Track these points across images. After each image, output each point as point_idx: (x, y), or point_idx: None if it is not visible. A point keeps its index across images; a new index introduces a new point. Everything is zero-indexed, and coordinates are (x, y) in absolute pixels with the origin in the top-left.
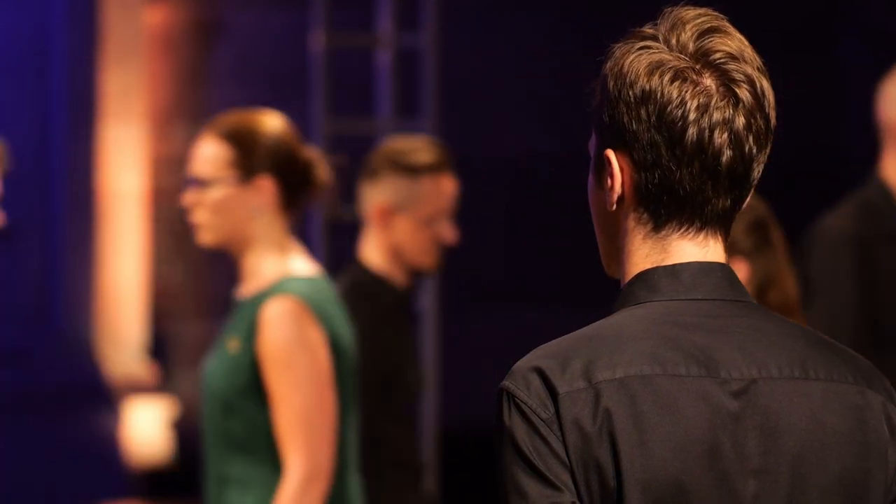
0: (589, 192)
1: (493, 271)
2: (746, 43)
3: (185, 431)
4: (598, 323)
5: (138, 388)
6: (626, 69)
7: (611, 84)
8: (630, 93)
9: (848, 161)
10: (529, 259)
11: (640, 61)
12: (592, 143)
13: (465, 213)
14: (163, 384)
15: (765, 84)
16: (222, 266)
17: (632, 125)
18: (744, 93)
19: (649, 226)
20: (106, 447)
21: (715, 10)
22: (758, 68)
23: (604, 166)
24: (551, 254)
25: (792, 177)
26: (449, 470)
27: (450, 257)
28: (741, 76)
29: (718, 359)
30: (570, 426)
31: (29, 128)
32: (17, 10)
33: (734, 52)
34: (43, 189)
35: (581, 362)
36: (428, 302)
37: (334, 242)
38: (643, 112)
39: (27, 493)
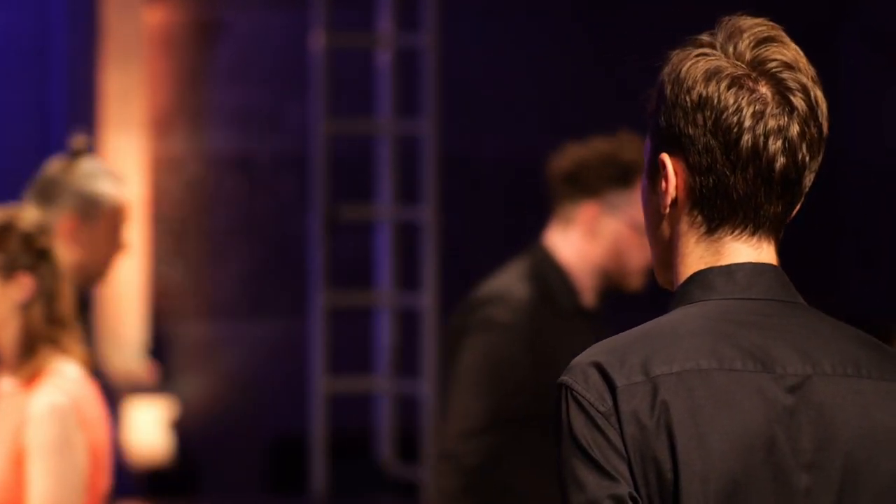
0: (642, 195)
1: (493, 271)
2: (801, 53)
3: (185, 431)
4: (654, 321)
5: (138, 388)
6: (683, 75)
7: (668, 89)
8: (687, 98)
9: (846, 162)
10: None
11: (697, 68)
12: (646, 148)
13: (465, 212)
14: (163, 384)
15: (818, 94)
16: (222, 266)
17: (688, 130)
18: (798, 101)
19: (703, 228)
20: None
21: (720, 10)
22: (812, 78)
23: (658, 170)
24: None
25: None
26: None
27: (450, 257)
28: (796, 85)
29: (773, 355)
30: (629, 419)
31: (29, 128)
32: (17, 10)
33: (790, 62)
34: None
35: (639, 357)
36: (428, 302)
37: (334, 242)
38: (700, 117)
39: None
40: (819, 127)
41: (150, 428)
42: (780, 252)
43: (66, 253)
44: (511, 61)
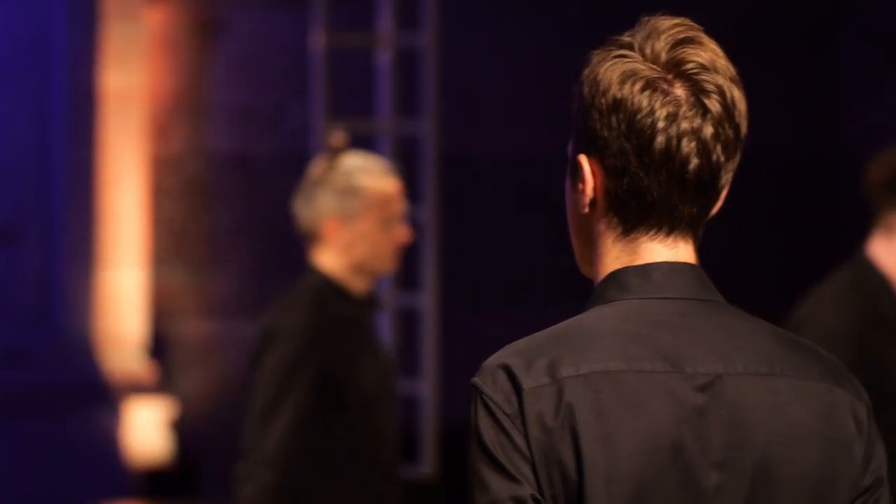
0: (566, 194)
1: (493, 271)
2: (720, 53)
3: (185, 431)
4: (567, 321)
5: (138, 388)
6: (600, 77)
7: (586, 90)
8: (602, 100)
9: (847, 162)
10: (529, 259)
11: (613, 70)
12: (569, 148)
13: (465, 212)
14: (163, 384)
15: (736, 94)
16: (222, 266)
17: (603, 132)
18: (713, 103)
19: (619, 229)
20: (106, 447)
21: (717, 13)
22: (730, 78)
23: (577, 170)
24: (551, 253)
25: (791, 176)
26: (449, 470)
27: (450, 257)
28: (712, 86)
29: (685, 355)
30: (533, 421)
31: (29, 128)
32: (17, 10)
33: (706, 63)
34: (43, 189)
35: (547, 359)
36: (428, 302)
37: None
38: (614, 120)
39: (27, 492)
40: (736, 128)
41: (150, 428)
42: (780, 252)
43: (332, 258)
44: (511, 61)
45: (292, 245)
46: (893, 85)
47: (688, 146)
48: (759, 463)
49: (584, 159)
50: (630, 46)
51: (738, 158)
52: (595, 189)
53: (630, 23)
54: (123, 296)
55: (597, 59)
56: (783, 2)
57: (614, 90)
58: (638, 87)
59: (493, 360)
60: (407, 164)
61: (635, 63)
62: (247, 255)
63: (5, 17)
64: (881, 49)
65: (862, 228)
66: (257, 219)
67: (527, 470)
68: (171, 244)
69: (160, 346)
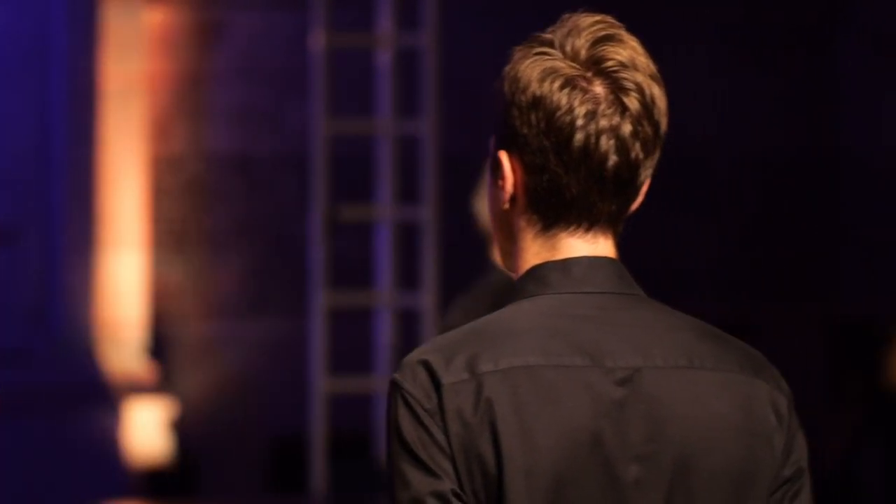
0: (487, 190)
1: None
2: (641, 50)
3: (185, 431)
4: (487, 317)
5: (138, 388)
6: (520, 74)
7: (506, 87)
8: (522, 98)
9: (846, 162)
10: None
11: (533, 67)
12: (490, 143)
13: (465, 212)
14: (163, 384)
15: (655, 91)
16: (222, 266)
17: (523, 129)
18: (632, 101)
19: (539, 225)
20: (106, 447)
21: (717, 14)
22: (650, 76)
23: (498, 166)
24: None
25: (791, 177)
26: None
27: (450, 257)
28: (631, 84)
29: (604, 349)
30: (453, 416)
31: (29, 128)
32: (17, 10)
33: (626, 61)
34: (43, 189)
35: (466, 355)
36: (428, 302)
37: (334, 242)
38: (533, 117)
39: (27, 492)
40: (655, 125)
41: (150, 428)
42: (780, 252)
43: None
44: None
45: (292, 245)
46: (892, 86)
47: (606, 144)
48: (678, 456)
49: (504, 155)
50: (551, 44)
51: (657, 155)
52: (515, 185)
53: (629, 23)
54: (123, 296)
55: (518, 56)
56: (782, 3)
57: (534, 88)
58: (557, 84)
59: (412, 356)
60: (407, 164)
61: (555, 60)
62: (247, 255)
63: (5, 17)
64: (880, 50)
65: (862, 228)
66: (257, 219)
67: (447, 465)
68: (171, 244)
69: (160, 346)
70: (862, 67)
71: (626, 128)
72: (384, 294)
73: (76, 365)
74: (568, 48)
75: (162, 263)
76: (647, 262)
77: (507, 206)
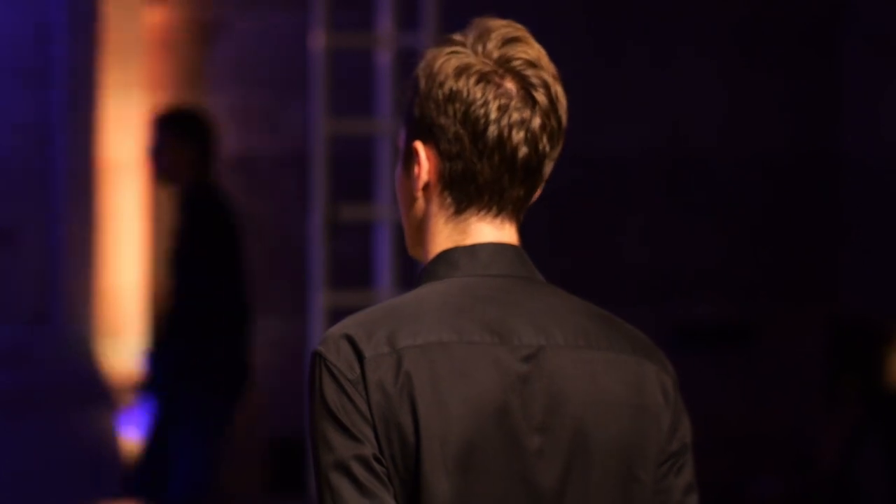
0: (396, 179)
1: None
2: (544, 52)
3: None
4: (402, 296)
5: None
6: (436, 70)
7: (422, 83)
8: (440, 91)
9: (847, 162)
10: (528, 257)
11: (449, 64)
12: (401, 136)
13: None
14: None
15: (559, 89)
16: None
17: (440, 120)
18: (540, 96)
19: (451, 209)
20: (106, 447)
21: (719, 14)
22: (553, 75)
23: (412, 156)
24: (550, 253)
25: (792, 177)
26: None
27: None
28: (538, 81)
29: (510, 328)
30: (375, 387)
31: (29, 128)
32: (17, 10)
33: (533, 60)
34: (43, 189)
35: (386, 331)
36: None
37: (334, 242)
38: (450, 109)
39: (27, 492)
40: (559, 119)
41: None
42: (781, 252)
43: None
44: None
45: (292, 245)
46: (893, 86)
47: (517, 135)
48: (576, 428)
49: (419, 145)
50: (462, 44)
51: (560, 148)
52: (430, 172)
53: (631, 22)
54: (123, 296)
55: (432, 55)
56: (785, 4)
57: (451, 82)
58: (473, 80)
59: (335, 330)
60: None
61: (469, 58)
62: (247, 255)
63: (5, 17)
64: (881, 50)
65: (862, 228)
66: (257, 219)
67: (368, 431)
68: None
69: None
70: (863, 68)
71: (536, 121)
72: (384, 294)
73: (76, 365)
74: (480, 48)
75: (162, 263)
76: (648, 262)
77: (419, 193)
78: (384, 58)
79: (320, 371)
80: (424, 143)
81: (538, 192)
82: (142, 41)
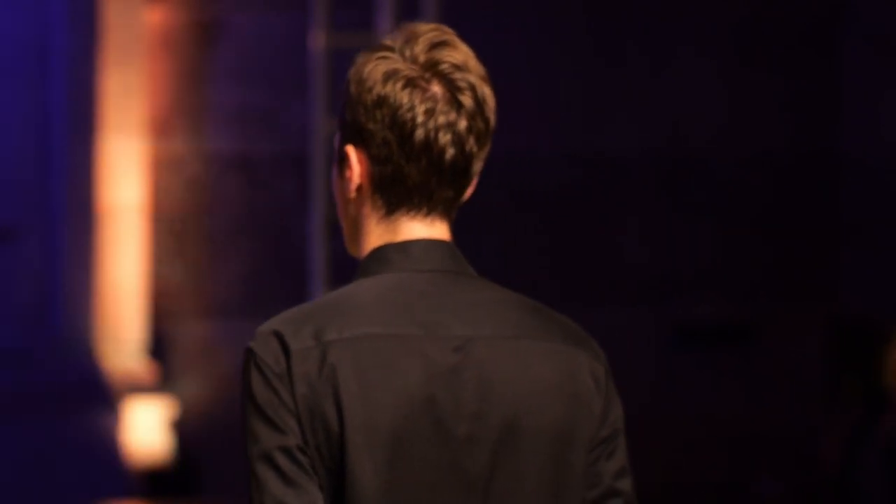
0: (332, 180)
1: (492, 271)
2: (471, 55)
3: (185, 431)
4: (335, 292)
5: (138, 388)
6: (365, 76)
7: (352, 88)
8: (368, 97)
9: (846, 162)
10: (529, 258)
11: (377, 69)
12: (336, 139)
13: (463, 212)
14: (163, 384)
15: (486, 91)
16: (222, 266)
17: (369, 125)
18: (466, 99)
19: (383, 211)
20: (106, 447)
21: (719, 13)
22: (481, 77)
23: (345, 160)
24: (551, 253)
25: (791, 177)
26: None
27: None
28: (465, 84)
29: (438, 321)
30: (300, 379)
31: (29, 128)
32: (17, 10)
33: (459, 63)
34: (43, 189)
35: (313, 326)
36: None
37: (334, 242)
38: (378, 114)
39: (27, 493)
40: (486, 121)
41: (150, 428)
42: (781, 252)
43: None
44: (510, 61)
45: (292, 245)
46: (893, 86)
47: (444, 138)
48: (506, 415)
49: (351, 149)
50: (391, 49)
51: (488, 148)
52: (361, 175)
53: (630, 23)
54: (123, 296)
55: (361, 61)
56: (785, 4)
57: (378, 88)
58: (400, 85)
59: (265, 326)
60: None
61: (396, 63)
62: (247, 255)
63: (5, 17)
64: (882, 50)
65: (862, 228)
66: (257, 219)
67: (293, 423)
68: (171, 244)
69: (160, 346)
70: (863, 68)
71: (462, 123)
72: None
73: (76, 365)
74: (407, 53)
75: (162, 263)
76: (647, 261)
77: (353, 195)
78: None
79: (249, 366)
80: (356, 146)
81: (470, 191)
82: (142, 41)
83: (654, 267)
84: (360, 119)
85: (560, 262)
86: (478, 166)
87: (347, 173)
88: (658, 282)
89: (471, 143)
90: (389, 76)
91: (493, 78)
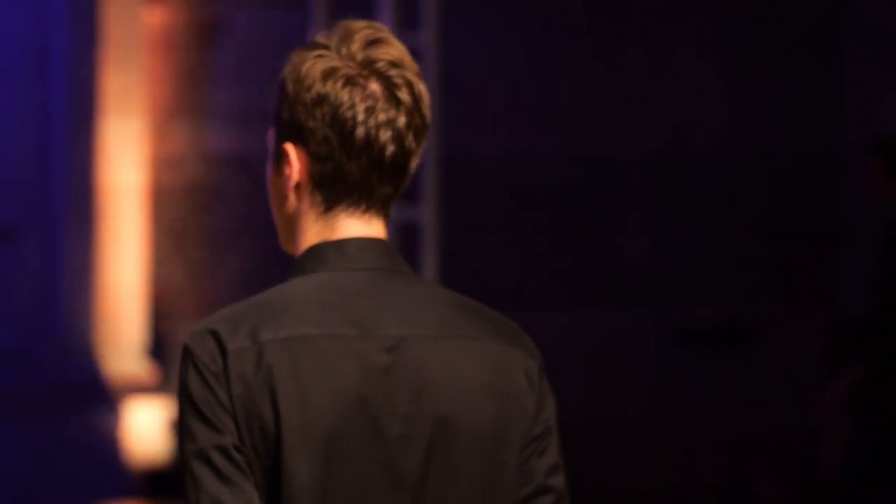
0: (268, 178)
1: (492, 270)
2: (406, 52)
3: None
4: (269, 291)
5: (138, 388)
6: (303, 74)
7: (290, 87)
8: (307, 95)
9: (847, 163)
10: (529, 258)
11: (315, 67)
12: (271, 137)
13: (464, 212)
14: (163, 384)
15: (422, 87)
16: (222, 266)
17: (309, 123)
18: (404, 95)
19: (321, 207)
20: (106, 447)
21: (719, 15)
22: (416, 74)
23: (282, 157)
24: (551, 253)
25: (792, 178)
26: None
27: (449, 257)
28: (402, 81)
29: (373, 320)
30: (236, 379)
31: (29, 128)
32: (17, 10)
33: (395, 60)
34: (43, 189)
35: (249, 325)
36: None
37: None
38: (318, 112)
39: (27, 493)
40: (423, 117)
41: (150, 428)
42: (781, 254)
43: None
44: (511, 61)
45: None
46: (892, 87)
47: (384, 135)
48: (439, 414)
49: (290, 147)
50: (327, 47)
51: (424, 144)
52: (300, 173)
53: (630, 23)
54: (123, 296)
55: (298, 59)
56: (784, 5)
57: (318, 86)
58: (339, 83)
59: (202, 325)
60: None
61: (334, 61)
62: (247, 255)
63: (5, 17)
64: (881, 50)
65: (862, 229)
66: (257, 219)
67: (229, 422)
68: (171, 244)
69: (160, 346)
70: (863, 70)
71: (402, 120)
72: None
73: (76, 365)
74: (343, 51)
75: (162, 263)
76: (647, 264)
77: (290, 192)
78: None
79: (186, 364)
80: (294, 144)
81: (404, 187)
82: (142, 41)
83: (655, 269)
84: (298, 117)
85: (560, 264)
86: (415, 162)
87: (286, 170)
88: (658, 284)
89: (410, 140)
90: (328, 74)
91: (494, 79)
